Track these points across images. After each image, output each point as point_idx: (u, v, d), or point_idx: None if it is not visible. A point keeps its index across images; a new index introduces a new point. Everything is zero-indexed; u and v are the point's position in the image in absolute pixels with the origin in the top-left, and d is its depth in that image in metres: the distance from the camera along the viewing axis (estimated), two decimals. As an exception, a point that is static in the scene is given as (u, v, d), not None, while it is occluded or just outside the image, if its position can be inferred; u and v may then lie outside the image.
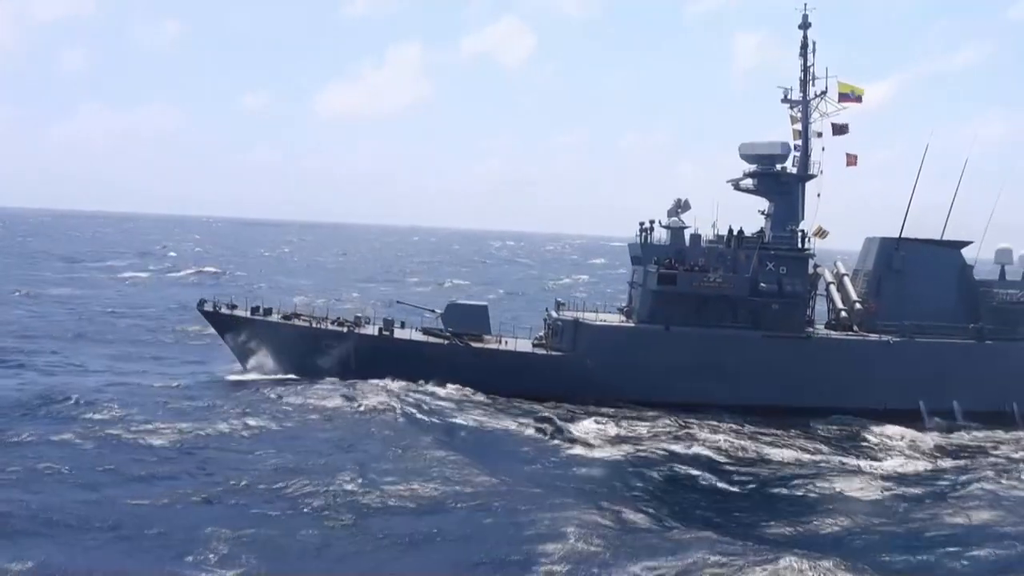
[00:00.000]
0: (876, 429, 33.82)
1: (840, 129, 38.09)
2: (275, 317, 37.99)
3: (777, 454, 30.31)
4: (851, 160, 38.25)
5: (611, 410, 34.11)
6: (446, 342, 36.60)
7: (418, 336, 37.12)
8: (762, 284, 35.99)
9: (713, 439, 31.36)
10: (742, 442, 31.32)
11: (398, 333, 37.16)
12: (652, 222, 37.91)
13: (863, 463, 29.76)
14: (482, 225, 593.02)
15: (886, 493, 26.49)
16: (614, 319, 38.29)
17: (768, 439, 31.98)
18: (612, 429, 31.87)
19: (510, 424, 31.72)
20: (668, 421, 33.29)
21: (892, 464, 29.91)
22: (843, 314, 38.19)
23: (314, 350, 36.75)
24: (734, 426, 33.17)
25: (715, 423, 33.41)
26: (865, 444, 32.57)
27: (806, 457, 30.12)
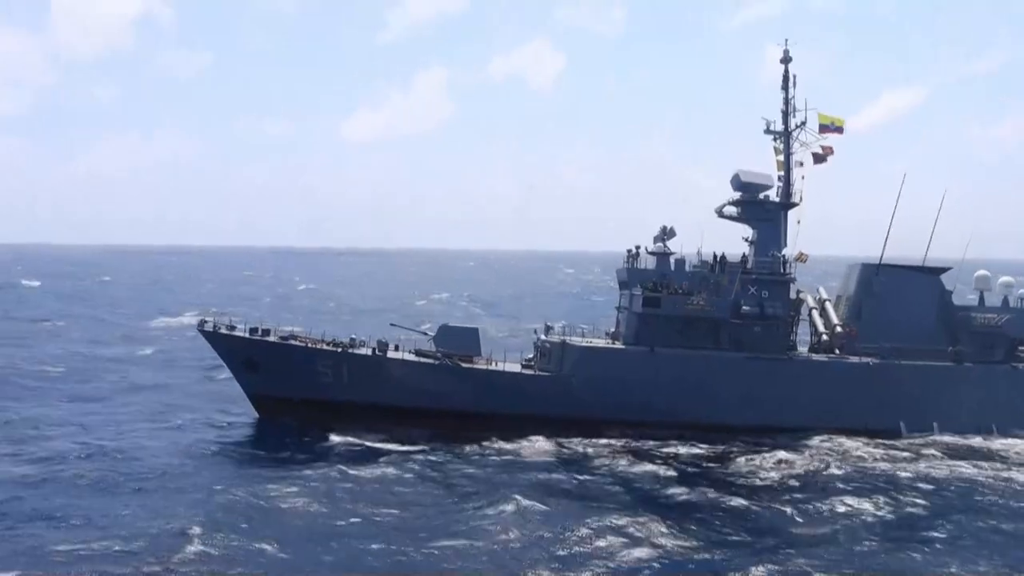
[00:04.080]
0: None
1: (820, 159, 39.41)
2: (273, 338, 39.23)
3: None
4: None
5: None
6: (437, 363, 37.71)
7: (411, 357, 38.23)
8: (744, 307, 37.02)
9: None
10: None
11: (391, 355, 38.29)
12: (638, 248, 39.14)
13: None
14: (505, 246, 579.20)
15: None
16: (601, 342, 39.32)
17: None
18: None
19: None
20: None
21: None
22: (824, 338, 39.11)
23: (309, 370, 37.93)
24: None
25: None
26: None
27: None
